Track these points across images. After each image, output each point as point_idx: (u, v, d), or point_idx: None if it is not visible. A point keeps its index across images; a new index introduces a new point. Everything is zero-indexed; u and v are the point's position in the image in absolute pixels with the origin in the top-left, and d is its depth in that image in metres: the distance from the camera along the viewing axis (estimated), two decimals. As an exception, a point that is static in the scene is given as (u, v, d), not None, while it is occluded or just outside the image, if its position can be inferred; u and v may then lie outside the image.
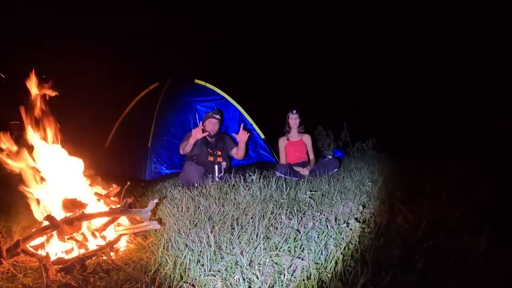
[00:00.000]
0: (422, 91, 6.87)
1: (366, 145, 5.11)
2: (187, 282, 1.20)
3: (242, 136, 3.08)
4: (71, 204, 1.68)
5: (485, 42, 6.00)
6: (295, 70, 8.90)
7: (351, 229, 1.57)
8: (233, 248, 1.42)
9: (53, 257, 1.46)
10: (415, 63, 7.11)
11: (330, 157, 3.90)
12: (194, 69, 7.39)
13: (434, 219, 1.64)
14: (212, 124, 3.15)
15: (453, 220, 1.63)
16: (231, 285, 1.15)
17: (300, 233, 1.53)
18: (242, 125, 3.16)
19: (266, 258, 1.31)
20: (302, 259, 1.32)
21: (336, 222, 1.68)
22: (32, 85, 1.75)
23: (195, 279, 1.22)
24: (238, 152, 3.21)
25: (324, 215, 1.81)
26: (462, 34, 6.53)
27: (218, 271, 1.25)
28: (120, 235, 1.69)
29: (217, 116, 3.18)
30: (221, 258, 1.34)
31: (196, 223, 1.77)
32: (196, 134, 2.86)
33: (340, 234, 1.51)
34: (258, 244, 1.42)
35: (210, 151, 3.13)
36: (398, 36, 7.37)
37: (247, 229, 1.60)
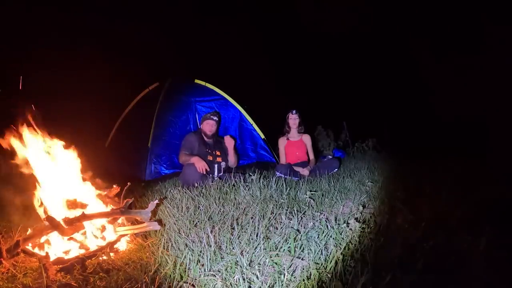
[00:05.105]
0: (423, 91, 6.87)
1: (366, 145, 5.11)
2: (187, 282, 1.20)
3: (229, 143, 3.26)
4: (71, 205, 1.68)
5: (486, 41, 5.99)
6: (295, 70, 8.89)
7: (351, 229, 1.57)
8: (233, 248, 1.42)
9: (53, 257, 1.46)
10: (416, 62, 7.10)
11: (330, 157, 3.90)
12: (194, 69, 7.39)
13: (434, 219, 1.64)
14: (209, 126, 3.22)
15: (453, 220, 1.63)
16: (231, 285, 1.15)
17: (300, 233, 1.53)
18: (227, 136, 3.30)
19: (266, 258, 1.31)
20: (302, 259, 1.32)
21: (336, 222, 1.68)
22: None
23: (195, 279, 1.22)
24: (229, 159, 3.30)
25: (324, 215, 1.81)
26: (464, 33, 6.53)
27: (218, 271, 1.25)
28: (121, 236, 1.68)
29: (215, 118, 3.26)
30: (221, 258, 1.34)
31: (196, 223, 1.77)
32: (200, 166, 2.85)
33: (340, 234, 1.51)
34: (258, 244, 1.42)
35: (209, 151, 3.15)
36: (398, 36, 7.37)
37: (247, 229, 1.60)
